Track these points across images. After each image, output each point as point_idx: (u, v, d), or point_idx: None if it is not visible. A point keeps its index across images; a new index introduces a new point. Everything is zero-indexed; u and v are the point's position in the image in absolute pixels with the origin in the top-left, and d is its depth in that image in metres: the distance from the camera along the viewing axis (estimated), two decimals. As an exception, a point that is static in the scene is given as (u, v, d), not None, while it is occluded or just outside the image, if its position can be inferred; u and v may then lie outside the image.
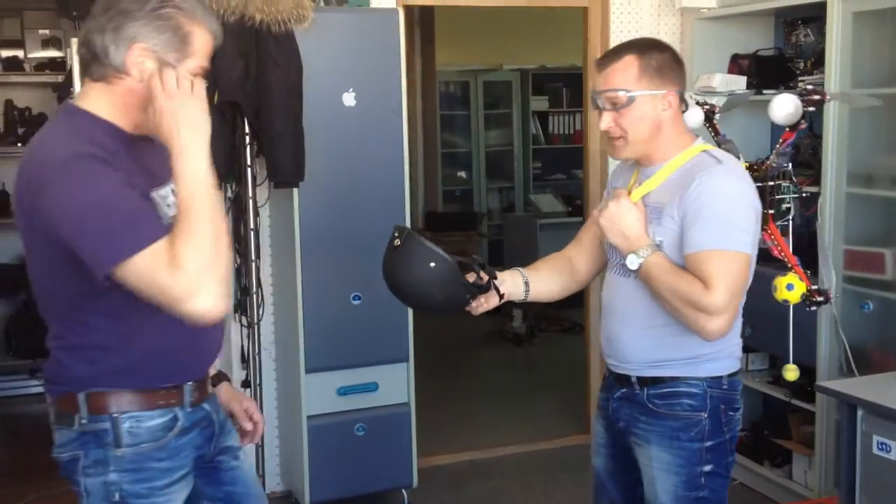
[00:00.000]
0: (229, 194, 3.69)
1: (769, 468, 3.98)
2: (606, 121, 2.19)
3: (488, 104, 8.60)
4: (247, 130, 3.55)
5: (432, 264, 2.09)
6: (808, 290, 2.81)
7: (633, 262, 2.16)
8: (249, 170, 3.62)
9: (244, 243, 3.72)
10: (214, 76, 3.44)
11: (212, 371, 2.13)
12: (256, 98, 3.44)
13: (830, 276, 2.91)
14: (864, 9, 3.54)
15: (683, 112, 2.26)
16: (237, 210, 3.72)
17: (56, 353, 1.91)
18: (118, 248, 1.68)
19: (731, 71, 4.12)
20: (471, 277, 2.19)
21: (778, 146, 2.82)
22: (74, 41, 4.74)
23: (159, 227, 1.74)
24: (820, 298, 2.83)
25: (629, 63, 2.16)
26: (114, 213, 1.70)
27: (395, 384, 3.83)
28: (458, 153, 8.62)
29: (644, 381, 2.25)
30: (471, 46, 8.30)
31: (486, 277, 2.20)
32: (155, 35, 1.79)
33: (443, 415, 4.99)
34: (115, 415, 1.87)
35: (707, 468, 2.22)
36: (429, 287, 2.12)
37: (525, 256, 7.16)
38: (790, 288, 2.78)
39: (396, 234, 2.14)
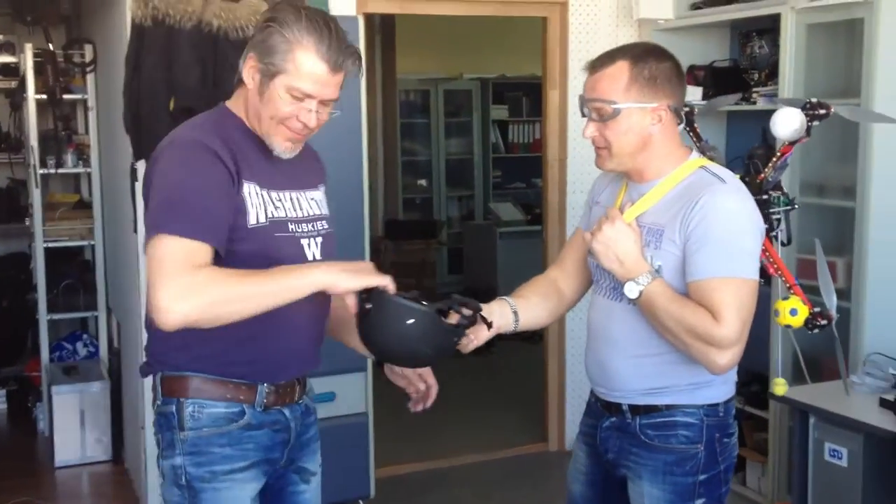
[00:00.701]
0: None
1: (724, 475, 4.01)
2: (590, 130, 2.06)
3: (448, 112, 8.61)
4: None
5: (410, 321, 1.91)
6: (811, 314, 2.67)
7: (632, 291, 2.01)
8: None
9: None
10: (171, 82, 3.40)
11: None
12: (215, 104, 3.39)
13: (831, 296, 2.80)
14: (818, 21, 3.60)
15: (679, 125, 2.11)
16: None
17: (148, 332, 2.00)
18: (161, 222, 1.79)
19: (687, 82, 4.16)
20: (454, 318, 2.03)
21: (775, 160, 2.70)
22: (28, 46, 4.69)
23: (213, 234, 1.82)
24: (823, 322, 2.68)
25: (620, 70, 2.01)
26: (183, 195, 1.81)
27: (353, 393, 3.81)
28: (418, 161, 8.61)
29: (637, 410, 2.11)
30: (431, 55, 8.31)
31: (469, 313, 2.06)
32: (260, 48, 1.92)
33: (401, 424, 4.93)
34: (182, 399, 1.93)
35: (699, 502, 2.09)
36: (413, 343, 1.94)
37: (484, 264, 7.20)
38: (794, 313, 2.64)
39: (364, 297, 1.93)
